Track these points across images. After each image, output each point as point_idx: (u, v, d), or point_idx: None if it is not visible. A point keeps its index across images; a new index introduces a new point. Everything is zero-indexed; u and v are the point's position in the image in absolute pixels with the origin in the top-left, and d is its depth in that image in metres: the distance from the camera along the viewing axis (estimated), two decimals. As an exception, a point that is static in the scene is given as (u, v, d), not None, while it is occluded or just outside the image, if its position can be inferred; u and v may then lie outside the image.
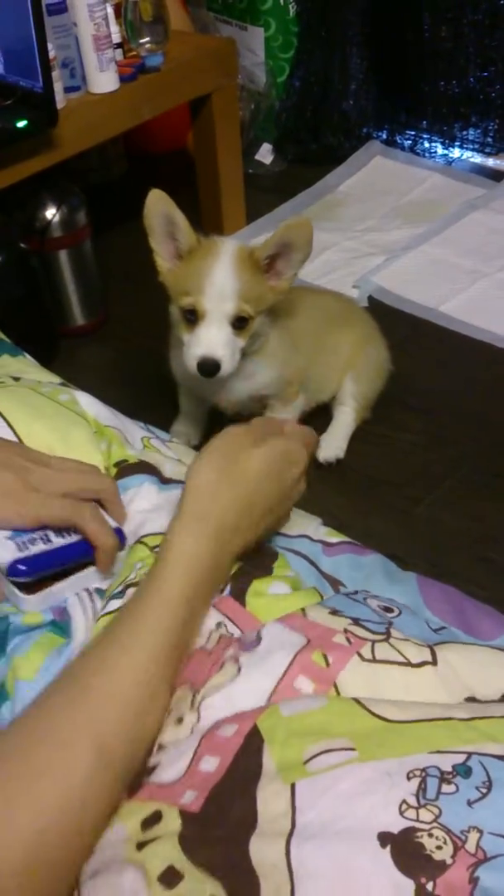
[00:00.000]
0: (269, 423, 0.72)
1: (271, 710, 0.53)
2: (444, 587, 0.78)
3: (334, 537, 0.80)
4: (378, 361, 1.37)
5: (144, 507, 0.72)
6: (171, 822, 0.49)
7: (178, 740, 0.54)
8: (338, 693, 0.56)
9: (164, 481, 0.75)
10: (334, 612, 0.62)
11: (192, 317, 1.06)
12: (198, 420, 1.36)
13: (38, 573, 0.66)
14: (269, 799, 0.48)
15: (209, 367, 1.06)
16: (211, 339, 1.04)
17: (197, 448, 1.24)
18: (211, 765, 0.51)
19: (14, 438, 0.75)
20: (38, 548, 0.66)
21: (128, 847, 0.49)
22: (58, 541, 0.67)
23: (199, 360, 1.06)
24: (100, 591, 0.67)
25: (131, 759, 0.53)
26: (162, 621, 0.57)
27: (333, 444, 1.34)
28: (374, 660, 0.58)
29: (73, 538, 0.68)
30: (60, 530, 0.68)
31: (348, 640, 0.59)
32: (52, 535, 0.68)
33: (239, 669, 0.57)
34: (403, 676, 0.57)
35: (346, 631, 0.60)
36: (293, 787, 0.48)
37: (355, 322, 1.38)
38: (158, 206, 1.05)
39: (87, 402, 0.84)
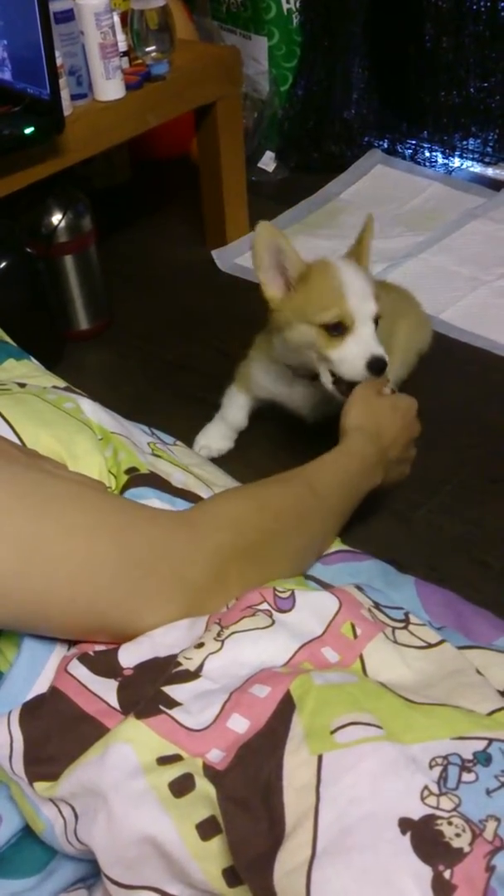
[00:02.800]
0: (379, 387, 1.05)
1: (304, 679, 0.55)
2: (443, 591, 0.80)
3: (331, 546, 0.82)
4: (421, 346, 1.43)
5: None
6: (193, 768, 0.51)
7: (203, 691, 0.56)
8: (363, 664, 0.58)
9: (173, 493, 0.77)
10: (359, 589, 0.65)
11: (339, 329, 1.07)
12: (234, 433, 1.37)
13: None
14: (296, 769, 0.49)
15: (379, 365, 1.08)
16: (370, 341, 1.07)
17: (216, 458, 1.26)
18: (241, 726, 0.53)
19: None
20: None
21: (152, 781, 0.50)
22: None
23: (369, 360, 1.07)
24: None
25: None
26: (337, 474, 0.86)
27: None
28: (395, 641, 0.61)
29: None
30: None
31: (373, 616, 0.62)
32: None
33: (273, 622, 0.60)
34: (424, 657, 0.60)
35: (370, 610, 0.63)
36: (320, 758, 0.49)
37: (409, 310, 1.42)
38: (268, 238, 1.07)
39: (92, 410, 0.86)
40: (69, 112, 1.47)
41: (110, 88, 1.54)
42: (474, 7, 1.95)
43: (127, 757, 0.52)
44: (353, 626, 0.60)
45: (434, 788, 0.48)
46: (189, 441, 1.04)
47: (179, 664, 0.58)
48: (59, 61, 1.39)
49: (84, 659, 0.60)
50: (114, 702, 0.57)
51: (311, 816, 0.47)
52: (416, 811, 0.47)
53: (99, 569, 0.59)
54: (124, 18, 1.57)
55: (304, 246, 1.90)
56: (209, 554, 0.64)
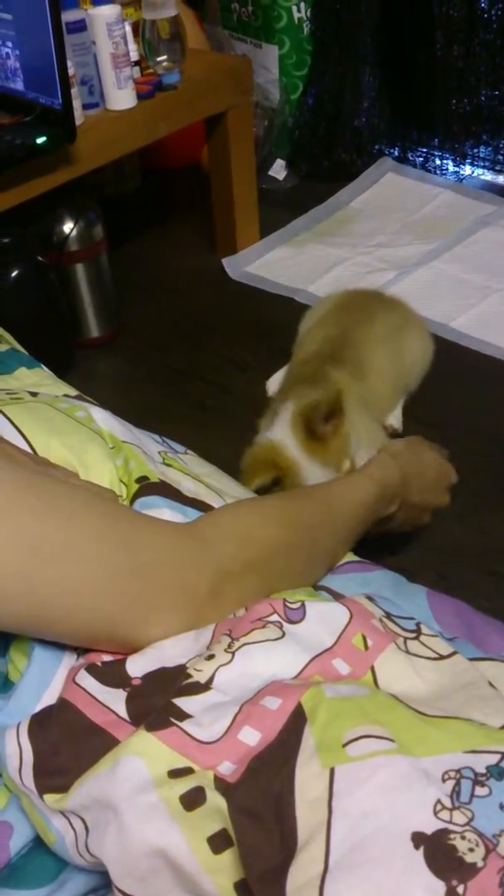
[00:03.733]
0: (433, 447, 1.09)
1: (315, 691, 0.55)
2: (454, 601, 0.79)
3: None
4: (423, 362, 1.44)
5: None
6: (204, 781, 0.51)
7: (214, 703, 0.55)
8: (374, 676, 0.57)
9: (184, 502, 0.77)
10: (370, 599, 0.65)
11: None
12: None
13: None
14: (308, 782, 0.49)
15: None
16: None
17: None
18: (252, 739, 0.53)
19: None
20: None
21: (163, 794, 0.50)
22: None
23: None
24: None
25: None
26: (356, 494, 0.86)
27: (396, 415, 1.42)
28: (407, 651, 0.61)
29: None
30: None
31: (384, 627, 0.61)
32: None
33: (283, 634, 0.60)
34: (436, 668, 0.59)
35: (381, 620, 0.62)
36: (332, 771, 0.49)
37: (411, 325, 1.43)
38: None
39: (103, 419, 0.86)
40: (81, 121, 1.48)
41: (122, 98, 1.55)
42: (485, 15, 1.95)
43: (138, 770, 0.52)
44: (364, 638, 0.60)
45: (447, 802, 0.47)
46: (198, 449, 1.04)
47: (190, 676, 0.57)
48: (70, 71, 1.40)
49: (92, 669, 0.60)
50: (123, 712, 0.57)
51: (324, 830, 0.47)
52: (429, 825, 0.46)
53: (105, 576, 0.59)
54: (136, 28, 1.58)
55: (314, 254, 1.93)
56: (215, 565, 0.64)
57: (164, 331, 1.76)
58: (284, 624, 0.61)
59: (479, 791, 0.48)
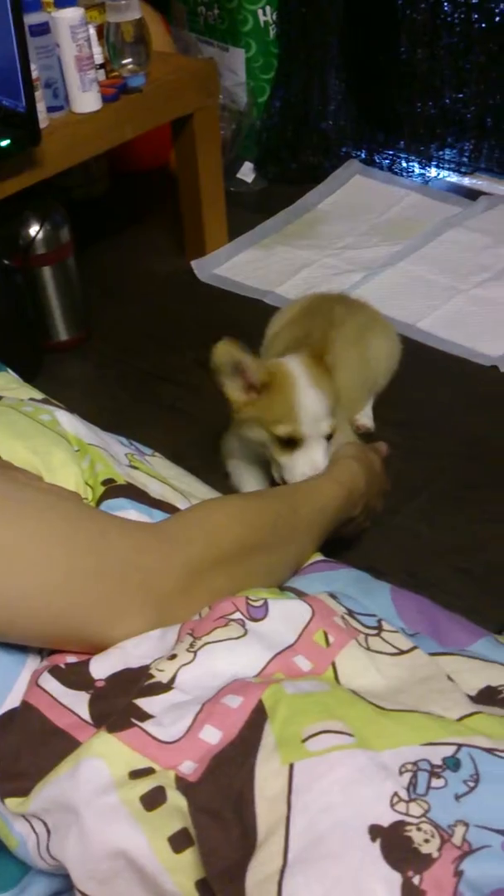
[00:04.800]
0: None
1: (276, 688, 0.55)
2: (417, 598, 0.80)
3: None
4: (390, 363, 1.45)
5: None
6: (165, 780, 0.51)
7: (175, 703, 0.56)
8: (335, 672, 0.58)
9: (151, 504, 0.77)
10: (333, 597, 0.66)
11: (290, 442, 1.10)
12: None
13: None
14: (267, 779, 0.49)
15: None
16: (316, 461, 1.09)
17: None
18: (214, 737, 0.53)
19: None
20: None
21: (124, 795, 0.50)
22: None
23: (308, 477, 1.10)
24: None
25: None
26: (322, 498, 0.88)
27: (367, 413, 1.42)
28: (368, 648, 0.61)
29: None
30: None
31: (346, 624, 0.62)
32: None
33: (245, 632, 0.60)
34: (396, 663, 0.60)
35: (343, 617, 0.63)
36: (291, 767, 0.50)
37: (377, 328, 1.44)
38: (226, 357, 1.08)
39: (68, 422, 0.86)
40: (45, 124, 1.47)
41: (87, 100, 1.54)
42: (448, 19, 1.98)
43: (99, 772, 0.52)
44: (325, 635, 0.61)
45: (404, 795, 0.48)
46: (167, 452, 1.04)
47: (152, 676, 0.58)
48: (34, 74, 1.39)
49: (55, 672, 0.60)
50: (86, 715, 0.57)
51: (283, 826, 0.47)
52: (386, 818, 0.47)
53: (71, 578, 0.59)
54: (100, 31, 1.57)
55: (282, 256, 1.93)
56: (181, 565, 0.64)
57: (134, 333, 1.76)
58: (247, 622, 0.61)
59: (435, 783, 0.49)
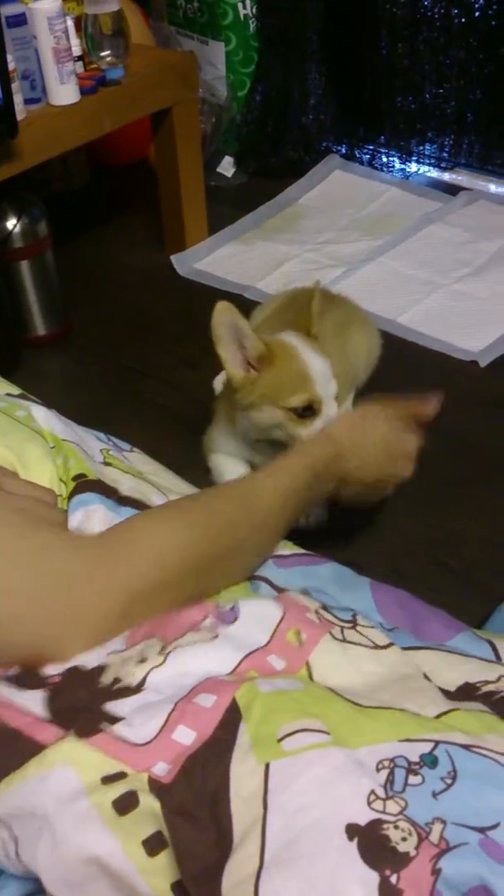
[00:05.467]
0: (407, 408, 1.03)
1: (249, 686, 0.54)
2: (397, 592, 0.80)
3: (287, 549, 0.82)
4: (371, 357, 1.45)
5: (97, 528, 0.72)
6: (138, 784, 0.50)
7: (146, 703, 0.55)
8: (309, 671, 0.57)
9: (121, 501, 0.76)
10: (305, 593, 0.65)
11: (308, 411, 1.08)
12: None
13: None
14: (243, 778, 0.49)
15: None
16: (336, 418, 1.08)
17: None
18: (187, 738, 0.52)
19: None
20: None
21: (95, 800, 0.50)
22: None
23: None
24: None
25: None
26: (280, 486, 0.80)
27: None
28: (343, 640, 0.61)
29: None
30: None
31: (319, 619, 0.62)
32: None
33: (217, 636, 0.59)
34: (372, 658, 0.59)
35: (317, 612, 0.62)
36: (267, 767, 0.49)
37: (357, 322, 1.44)
38: (226, 316, 1.06)
39: (43, 418, 0.85)
40: (22, 116, 1.46)
41: (64, 93, 1.53)
42: (428, 14, 1.98)
43: (69, 779, 0.51)
44: (298, 633, 0.60)
45: (380, 792, 0.48)
46: (146, 447, 1.03)
47: (119, 680, 0.57)
48: (11, 65, 1.38)
49: (5, 677, 0.59)
50: (41, 712, 0.56)
51: (259, 826, 0.47)
52: (363, 816, 0.47)
53: (13, 596, 0.58)
54: (78, 23, 1.56)
55: (262, 250, 1.93)
56: (124, 587, 0.62)
57: (113, 328, 1.75)
58: (219, 626, 0.61)
59: (413, 780, 0.49)
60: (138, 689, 0.56)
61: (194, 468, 1.24)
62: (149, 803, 0.50)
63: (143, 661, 0.58)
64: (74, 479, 0.76)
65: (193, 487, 1.00)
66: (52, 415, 0.85)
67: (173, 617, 0.62)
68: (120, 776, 0.51)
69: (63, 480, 0.77)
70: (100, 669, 0.57)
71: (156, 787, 0.50)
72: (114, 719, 0.54)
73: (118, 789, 0.50)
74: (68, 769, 0.51)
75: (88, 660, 0.58)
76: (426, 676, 0.59)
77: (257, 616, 0.62)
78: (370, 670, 0.59)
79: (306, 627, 0.61)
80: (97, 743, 0.53)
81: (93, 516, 0.72)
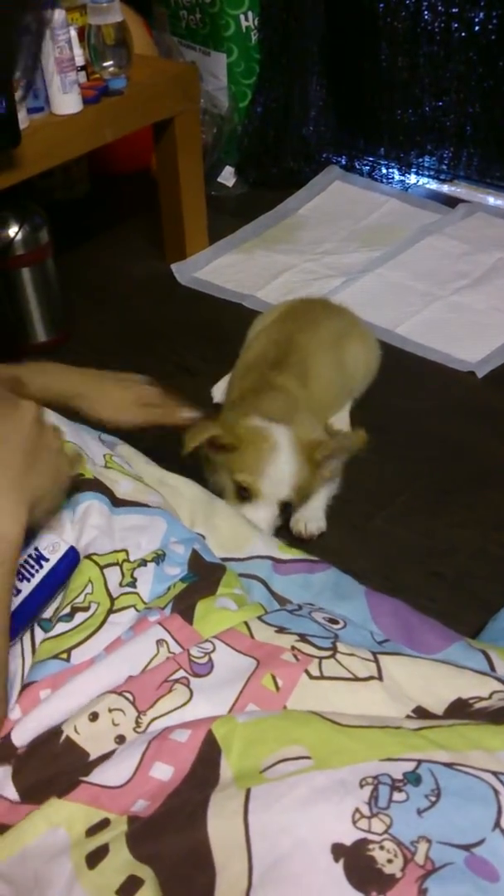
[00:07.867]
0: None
1: (226, 718, 0.54)
2: (392, 601, 0.80)
3: (286, 553, 0.83)
4: (368, 368, 1.46)
5: (96, 522, 0.74)
6: (119, 827, 0.50)
7: (119, 749, 0.55)
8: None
9: (116, 503, 0.77)
10: (280, 630, 0.64)
11: (245, 493, 1.10)
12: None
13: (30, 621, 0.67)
14: (223, 801, 0.49)
15: None
16: (260, 521, 1.08)
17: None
18: (165, 774, 0.52)
19: None
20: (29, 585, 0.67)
21: (75, 856, 0.50)
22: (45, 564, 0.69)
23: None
24: (44, 623, 0.68)
25: None
26: None
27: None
28: (321, 676, 0.60)
29: (57, 554, 0.69)
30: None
31: (296, 657, 0.61)
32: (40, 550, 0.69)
33: (191, 694, 0.58)
34: (350, 691, 0.59)
35: (293, 648, 0.61)
36: (248, 791, 0.49)
37: (356, 333, 1.45)
38: (199, 440, 1.08)
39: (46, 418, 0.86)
40: (25, 125, 1.47)
41: (67, 102, 1.54)
42: (429, 27, 1.99)
43: (58, 839, 0.51)
44: (273, 678, 0.59)
45: (365, 810, 0.48)
46: (150, 455, 1.05)
47: (89, 754, 0.55)
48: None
49: None
50: (12, 794, 0.55)
51: (244, 847, 0.47)
52: (349, 836, 0.46)
53: None
54: (81, 33, 1.57)
55: (262, 260, 1.94)
56: None
57: (113, 336, 1.76)
58: (192, 680, 0.59)
59: (397, 796, 0.48)
60: (111, 752, 0.55)
61: (193, 476, 1.25)
62: (119, 851, 0.49)
63: (121, 740, 0.56)
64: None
65: (195, 485, 1.00)
66: (53, 416, 0.87)
67: (143, 680, 0.60)
68: (104, 824, 0.51)
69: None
70: (57, 729, 0.56)
71: (135, 824, 0.50)
72: (87, 768, 0.54)
73: (95, 842, 0.50)
74: (59, 829, 0.51)
75: (51, 709, 0.57)
76: (409, 715, 0.58)
77: (231, 669, 0.60)
78: (350, 703, 0.58)
79: (282, 671, 0.59)
80: (76, 797, 0.52)
81: (90, 512, 0.73)
